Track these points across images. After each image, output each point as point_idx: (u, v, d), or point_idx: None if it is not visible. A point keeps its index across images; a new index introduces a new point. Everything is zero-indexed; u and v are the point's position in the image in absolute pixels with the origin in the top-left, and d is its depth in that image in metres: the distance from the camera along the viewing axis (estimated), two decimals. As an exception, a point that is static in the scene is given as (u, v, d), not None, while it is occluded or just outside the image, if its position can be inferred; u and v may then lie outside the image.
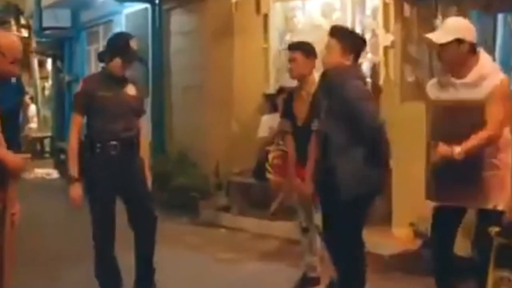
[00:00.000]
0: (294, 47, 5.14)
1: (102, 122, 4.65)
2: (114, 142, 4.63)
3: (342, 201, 4.15)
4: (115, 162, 4.63)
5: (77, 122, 4.75)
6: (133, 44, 4.76)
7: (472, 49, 3.97)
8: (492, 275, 3.82)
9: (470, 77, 3.92)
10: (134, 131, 4.75)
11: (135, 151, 4.76)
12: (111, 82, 4.70)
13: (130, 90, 4.77)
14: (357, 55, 4.39)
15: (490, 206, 3.90)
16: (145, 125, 4.98)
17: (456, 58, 3.96)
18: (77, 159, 4.65)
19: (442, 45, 3.99)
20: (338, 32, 4.40)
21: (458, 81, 3.96)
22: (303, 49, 5.03)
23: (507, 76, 4.04)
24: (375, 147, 4.19)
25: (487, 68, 3.94)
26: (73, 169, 4.64)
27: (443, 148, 3.87)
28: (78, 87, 4.95)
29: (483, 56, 4.02)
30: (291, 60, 5.06)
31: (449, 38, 3.93)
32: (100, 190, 4.65)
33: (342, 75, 4.24)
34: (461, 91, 3.95)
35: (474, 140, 3.82)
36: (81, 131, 4.77)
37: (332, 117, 4.24)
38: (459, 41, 3.92)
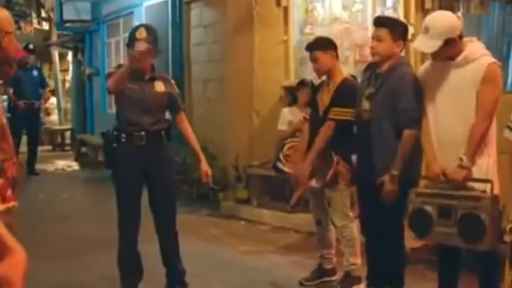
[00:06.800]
0: (313, 47, 5.12)
1: (128, 115, 4.71)
2: (140, 133, 4.68)
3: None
4: (140, 152, 4.69)
5: None
6: (139, 33, 4.68)
7: (460, 36, 3.94)
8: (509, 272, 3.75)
9: (459, 58, 3.92)
10: (161, 124, 4.79)
11: (163, 143, 4.79)
12: (137, 77, 4.72)
13: (159, 86, 4.80)
14: (405, 41, 4.50)
15: None
16: (185, 119, 5.02)
17: (448, 52, 3.94)
18: None
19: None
20: (387, 21, 4.52)
21: (450, 62, 3.95)
22: (322, 46, 5.04)
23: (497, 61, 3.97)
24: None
25: (475, 52, 3.92)
26: None
27: (456, 173, 3.85)
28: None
29: (475, 43, 4.01)
30: (313, 60, 5.07)
31: (438, 44, 3.89)
32: (126, 179, 4.71)
33: (395, 62, 4.35)
34: (451, 72, 3.94)
35: (473, 140, 3.82)
36: None
37: (379, 104, 4.31)
38: (447, 39, 3.88)
